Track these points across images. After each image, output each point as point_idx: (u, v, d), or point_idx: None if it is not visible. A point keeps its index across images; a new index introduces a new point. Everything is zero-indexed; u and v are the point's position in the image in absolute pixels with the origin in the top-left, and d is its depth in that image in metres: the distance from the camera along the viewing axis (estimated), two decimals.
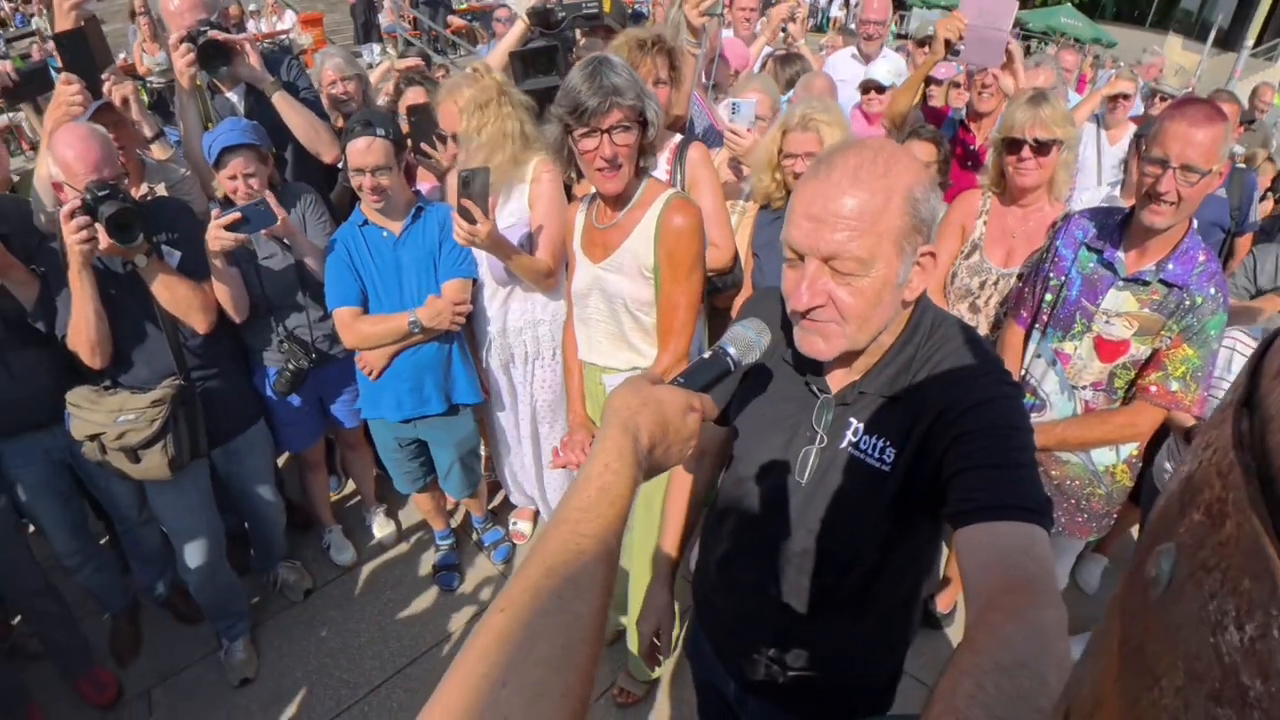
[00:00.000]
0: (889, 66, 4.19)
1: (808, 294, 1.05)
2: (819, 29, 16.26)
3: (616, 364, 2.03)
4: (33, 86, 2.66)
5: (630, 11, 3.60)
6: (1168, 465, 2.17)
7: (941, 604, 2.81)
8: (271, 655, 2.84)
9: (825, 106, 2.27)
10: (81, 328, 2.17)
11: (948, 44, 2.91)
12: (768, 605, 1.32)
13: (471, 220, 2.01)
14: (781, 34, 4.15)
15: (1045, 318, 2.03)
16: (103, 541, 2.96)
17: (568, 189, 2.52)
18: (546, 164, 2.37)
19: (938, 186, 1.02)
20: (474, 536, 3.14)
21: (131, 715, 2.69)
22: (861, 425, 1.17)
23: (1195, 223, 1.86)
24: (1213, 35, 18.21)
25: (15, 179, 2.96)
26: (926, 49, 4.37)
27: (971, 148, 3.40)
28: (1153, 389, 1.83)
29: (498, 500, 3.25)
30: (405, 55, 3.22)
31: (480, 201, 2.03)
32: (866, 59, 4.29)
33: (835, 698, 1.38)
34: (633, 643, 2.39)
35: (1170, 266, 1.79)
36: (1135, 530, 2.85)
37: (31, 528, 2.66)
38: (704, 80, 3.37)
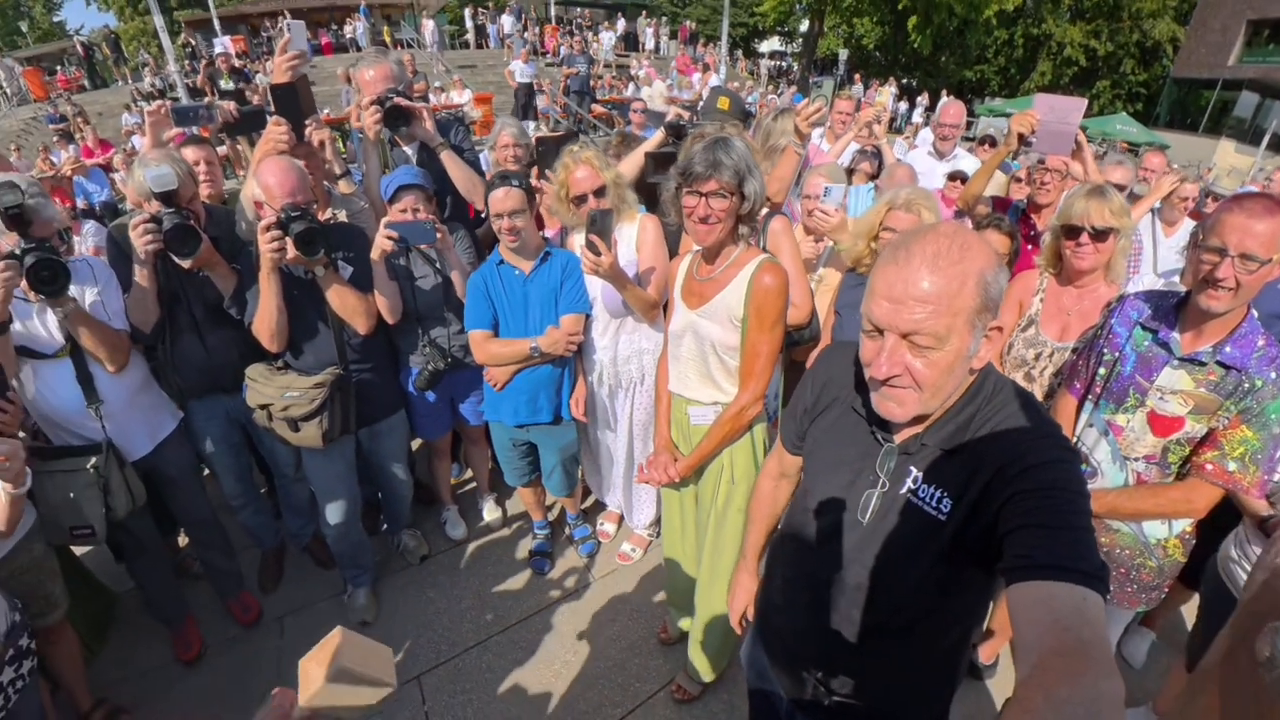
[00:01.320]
0: (970, 163, 4.16)
1: (886, 365, 1.01)
2: (897, 130, 16.48)
3: (701, 397, 2.00)
4: (249, 124, 2.83)
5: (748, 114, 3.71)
6: (1234, 553, 1.88)
7: (984, 654, 2.58)
8: (387, 606, 2.86)
9: (927, 195, 2.28)
10: (265, 318, 2.27)
11: (1021, 137, 2.83)
12: (820, 629, 1.25)
13: (596, 252, 2.08)
14: (866, 133, 4.22)
15: (1098, 390, 1.83)
16: (262, 491, 3.07)
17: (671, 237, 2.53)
18: (650, 217, 2.49)
19: (1005, 267, 1.00)
20: (566, 531, 3.09)
21: (266, 635, 2.77)
22: (921, 474, 1.10)
23: (1254, 311, 1.66)
24: (1266, 139, 16.80)
25: (226, 196, 3.14)
26: (987, 147, 4.41)
27: (1031, 233, 3.25)
28: (1209, 467, 1.62)
29: (588, 503, 3.19)
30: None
31: (604, 237, 2.08)
32: (940, 156, 4.38)
33: None
34: (694, 646, 2.29)
35: (1228, 349, 1.59)
36: (1186, 609, 2.50)
37: (207, 472, 2.76)
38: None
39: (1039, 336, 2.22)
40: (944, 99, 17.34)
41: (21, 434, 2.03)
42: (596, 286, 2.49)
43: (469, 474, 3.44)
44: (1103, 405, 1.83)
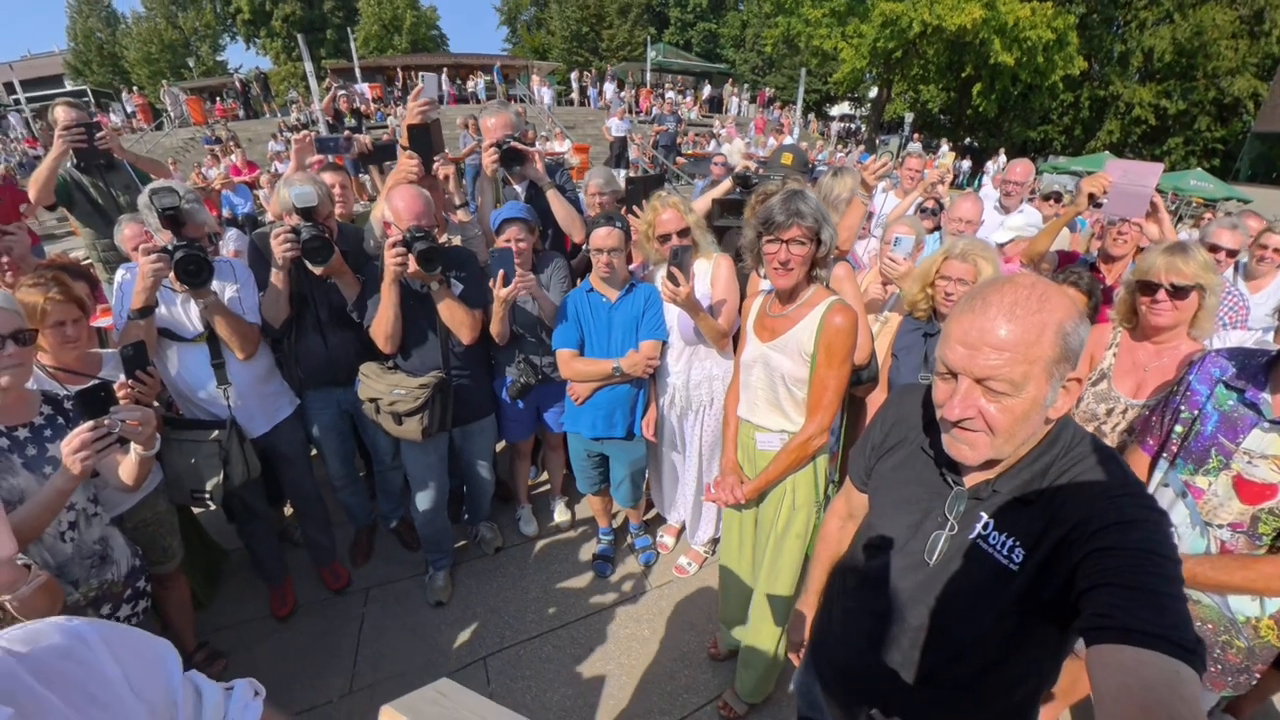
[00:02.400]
0: (1032, 218, 3.86)
1: (960, 407, 0.93)
2: (959, 187, 15.86)
3: (769, 424, 1.92)
4: (381, 156, 2.98)
5: (810, 168, 3.68)
6: None
7: (1044, 718, 2.15)
8: (461, 590, 2.80)
9: (985, 246, 2.12)
10: (383, 324, 2.28)
11: (1091, 197, 2.63)
12: (877, 666, 1.13)
13: (676, 283, 2.08)
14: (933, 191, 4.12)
15: (1174, 449, 1.60)
16: (361, 475, 3.05)
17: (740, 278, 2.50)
18: (725, 257, 2.47)
19: (1086, 320, 0.89)
20: (628, 539, 2.98)
21: (351, 604, 2.75)
22: (992, 521, 0.99)
23: None
24: None
25: (355, 216, 3.21)
26: (1052, 203, 4.12)
27: (1103, 286, 2.95)
28: None
29: (650, 515, 3.07)
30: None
31: (684, 271, 2.08)
32: (1006, 211, 4.06)
33: None
34: (743, 665, 2.15)
35: None
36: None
37: (314, 453, 2.78)
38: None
39: (1111, 391, 2.02)
40: (1000, 158, 16.74)
41: (155, 404, 2.08)
42: (673, 316, 2.43)
43: (544, 477, 3.36)
44: (1180, 465, 1.60)
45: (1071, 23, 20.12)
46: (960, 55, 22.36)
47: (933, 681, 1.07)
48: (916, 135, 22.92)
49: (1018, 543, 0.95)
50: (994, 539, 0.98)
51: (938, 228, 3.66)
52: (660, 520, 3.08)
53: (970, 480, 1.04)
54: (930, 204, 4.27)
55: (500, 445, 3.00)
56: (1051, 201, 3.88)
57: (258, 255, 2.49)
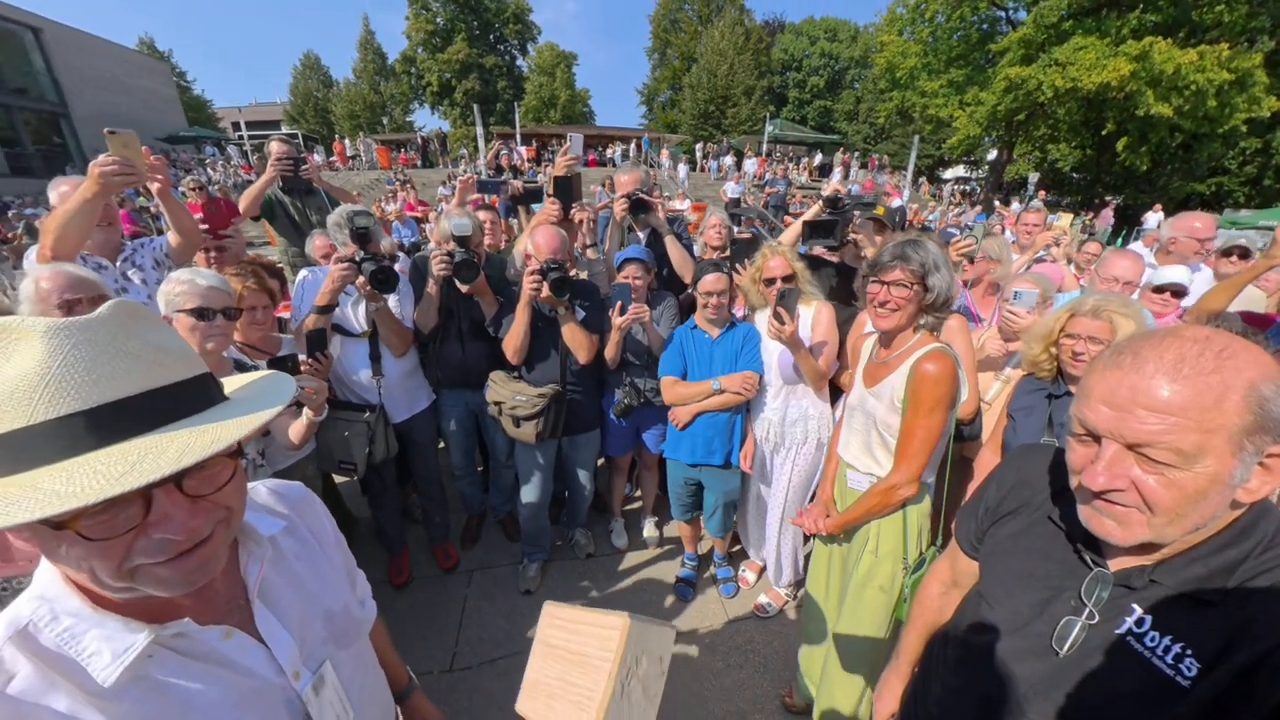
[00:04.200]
0: (1180, 274, 2.99)
1: (1105, 476, 0.66)
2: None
3: (860, 465, 1.71)
4: (529, 198, 3.06)
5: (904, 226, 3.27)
6: None
7: None
8: (550, 584, 2.69)
9: (1125, 302, 1.67)
10: (514, 339, 2.29)
11: None
12: None
13: (781, 321, 1.95)
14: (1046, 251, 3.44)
15: None
16: (479, 469, 3.03)
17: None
18: (826, 305, 2.30)
19: None
20: (712, 569, 2.74)
21: (457, 583, 2.71)
22: (1149, 617, 0.71)
23: None
24: None
25: (500, 249, 3.33)
26: (1234, 259, 3.03)
27: None
28: None
29: (735, 549, 2.83)
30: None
31: (790, 310, 1.98)
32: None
33: None
34: (818, 715, 1.82)
35: None
36: None
37: (441, 445, 2.84)
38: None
39: None
40: (1158, 213, 13.21)
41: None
42: (773, 355, 2.26)
43: (638, 494, 3.22)
44: None
45: (1257, 61, 15.04)
46: (1100, 112, 17.55)
47: None
48: (1042, 193, 18.52)
49: (1189, 652, 0.68)
50: (1152, 640, 0.71)
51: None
52: (744, 555, 2.82)
53: (1117, 564, 0.77)
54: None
55: (600, 461, 2.88)
56: (1234, 258, 2.94)
57: (417, 274, 2.60)
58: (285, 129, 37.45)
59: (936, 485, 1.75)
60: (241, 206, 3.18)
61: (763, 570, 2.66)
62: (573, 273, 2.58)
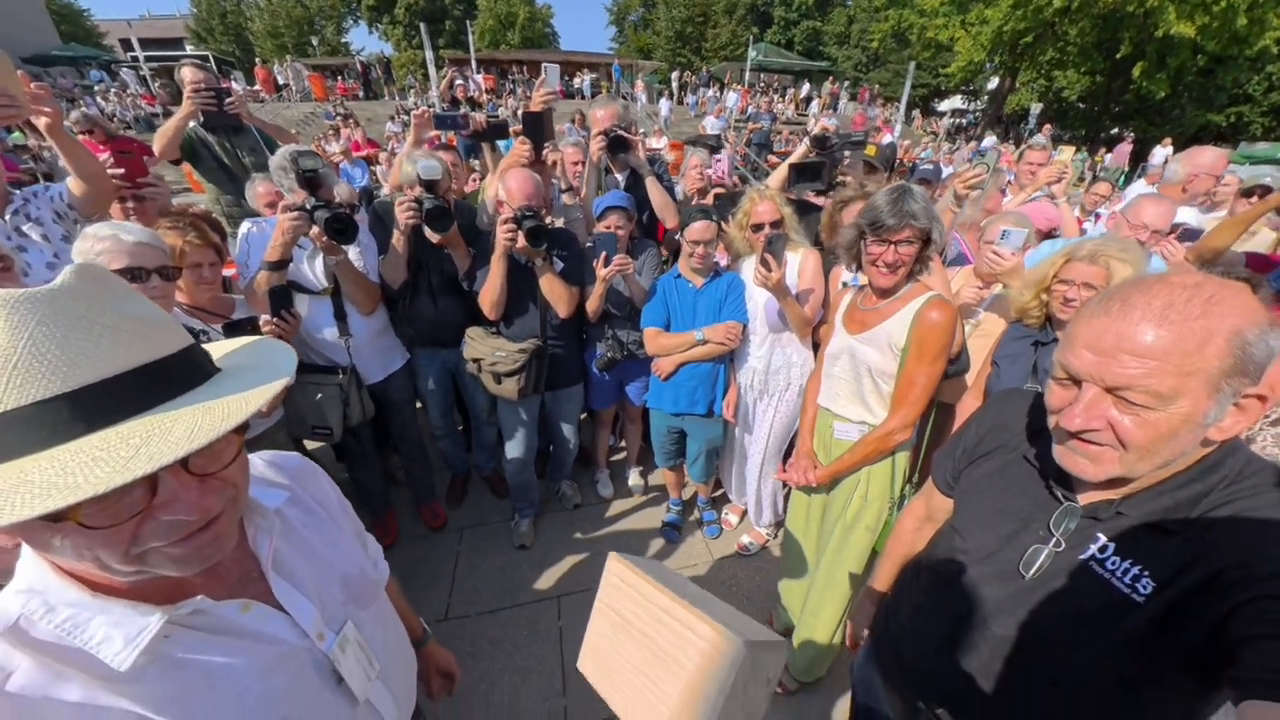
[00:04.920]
0: (1207, 217, 2.75)
1: (1082, 417, 0.68)
2: (1080, 181, 11.18)
3: (849, 415, 1.70)
4: (494, 134, 2.74)
5: (895, 165, 3.07)
6: None
7: None
8: (543, 537, 2.69)
9: (1124, 246, 1.57)
10: (490, 292, 2.13)
11: None
12: (949, 668, 0.91)
13: (769, 268, 1.87)
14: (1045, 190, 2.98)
15: None
16: (459, 428, 2.96)
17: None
18: (813, 251, 2.21)
19: (1278, 324, 0.64)
20: (696, 512, 2.79)
21: (447, 540, 2.68)
22: (1112, 544, 0.75)
23: None
24: None
25: (466, 195, 3.07)
26: (1256, 199, 2.86)
27: None
28: None
29: (718, 493, 2.87)
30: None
31: (777, 257, 1.88)
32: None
33: None
34: (797, 645, 1.94)
35: None
36: None
37: (420, 405, 2.68)
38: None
39: None
40: (1167, 147, 11.79)
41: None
42: (759, 303, 2.19)
43: (622, 445, 3.20)
44: None
45: None
46: (1115, 32, 15.56)
47: (1013, 692, 0.85)
48: (1045, 127, 16.11)
49: (1147, 573, 0.71)
50: (1113, 563, 0.75)
51: (1050, 235, 2.95)
52: (726, 500, 2.87)
53: (1086, 498, 0.80)
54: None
55: (583, 416, 2.84)
56: (1256, 198, 2.64)
57: (378, 223, 2.37)
58: (190, 49, 30.75)
59: (919, 427, 1.79)
60: (156, 148, 2.72)
61: (745, 513, 2.73)
62: (549, 220, 2.42)
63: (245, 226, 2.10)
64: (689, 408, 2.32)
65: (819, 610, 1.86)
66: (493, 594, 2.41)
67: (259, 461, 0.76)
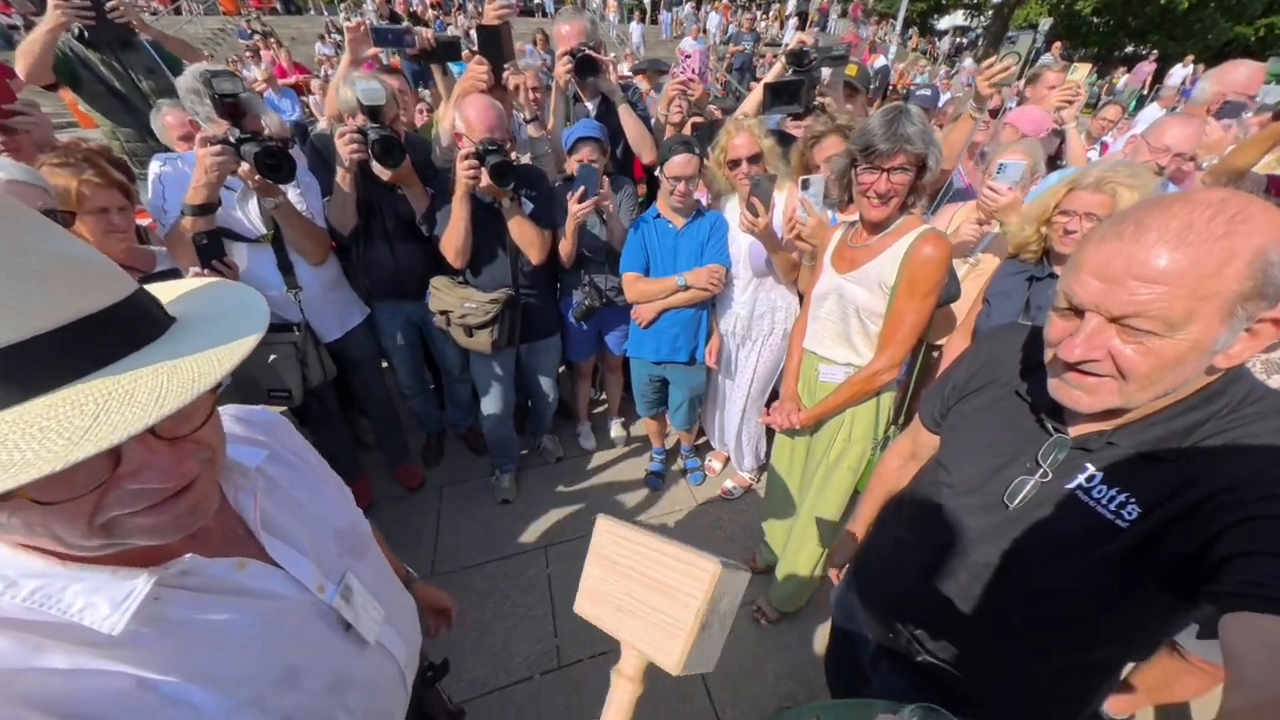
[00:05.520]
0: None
1: (1082, 347, 0.64)
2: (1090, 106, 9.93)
3: (834, 357, 1.64)
4: (445, 53, 2.36)
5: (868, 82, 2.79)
6: None
7: (1113, 707, 1.70)
8: (525, 492, 2.63)
9: (1133, 171, 1.44)
10: (453, 237, 1.91)
11: None
12: (928, 594, 0.92)
13: (755, 213, 1.73)
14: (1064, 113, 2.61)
15: None
16: (431, 386, 2.77)
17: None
18: (797, 186, 1.97)
19: None
20: (679, 460, 2.77)
21: (427, 499, 2.58)
22: (1100, 474, 0.72)
23: None
24: None
25: (417, 128, 2.75)
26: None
27: None
28: None
29: (701, 440, 2.84)
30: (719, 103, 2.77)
31: (764, 201, 1.74)
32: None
33: (961, 707, 0.82)
34: (779, 578, 1.99)
35: None
36: None
37: (385, 364, 2.50)
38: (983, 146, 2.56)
39: None
40: (1183, 69, 10.70)
41: None
42: (742, 247, 2.06)
43: (603, 397, 3.10)
44: None
45: None
46: None
47: (989, 614, 0.86)
48: (1055, 46, 14.48)
49: (1132, 500, 0.69)
50: (1099, 492, 0.72)
51: (1059, 162, 2.61)
52: (709, 447, 2.85)
53: (1077, 429, 0.77)
54: (1053, 126, 2.79)
55: (561, 369, 2.73)
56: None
57: (318, 159, 2.07)
58: None
59: (906, 366, 1.76)
60: (20, 68, 2.19)
61: (728, 459, 2.72)
62: (514, 156, 2.18)
63: (156, 165, 1.79)
64: (671, 356, 2.22)
65: (801, 547, 1.88)
66: (477, 549, 2.36)
67: (227, 418, 0.70)
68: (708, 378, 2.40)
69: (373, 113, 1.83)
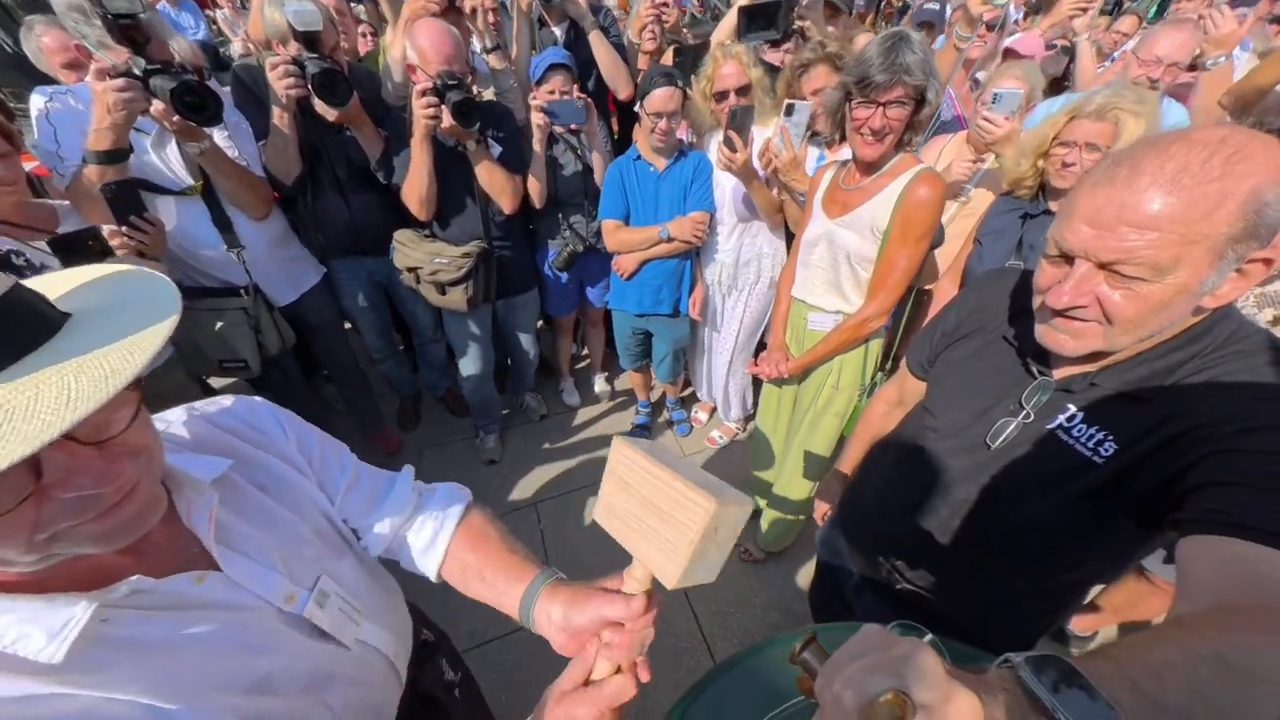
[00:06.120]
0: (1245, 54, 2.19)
1: (1070, 294, 0.63)
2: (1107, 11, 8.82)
3: (824, 305, 1.59)
4: None
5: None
6: None
7: (1078, 625, 1.74)
8: (510, 451, 2.55)
9: (1139, 97, 1.32)
10: (416, 186, 1.70)
11: None
12: (910, 529, 0.94)
13: (733, 148, 1.60)
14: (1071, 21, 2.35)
15: None
16: (401, 348, 2.61)
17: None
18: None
19: None
20: (665, 413, 2.72)
21: (407, 461, 2.67)
22: (1081, 413, 0.73)
23: None
24: None
25: (361, 57, 2.42)
26: None
27: None
28: None
29: (687, 392, 2.79)
30: (693, 27, 2.43)
31: (742, 134, 1.60)
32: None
33: (938, 628, 0.84)
34: (766, 521, 2.03)
35: None
36: None
37: (349, 327, 2.34)
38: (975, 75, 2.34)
39: None
40: None
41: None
42: (726, 191, 1.93)
43: (585, 353, 2.98)
44: None
45: None
46: None
47: (968, 545, 0.89)
48: None
49: (1110, 437, 0.71)
50: (1079, 431, 0.74)
51: (1065, 83, 2.32)
52: (695, 398, 2.81)
53: (1061, 372, 0.78)
54: (1061, 43, 2.51)
55: (540, 324, 2.60)
56: None
57: (246, 95, 1.79)
58: None
59: (895, 312, 1.72)
60: None
61: (714, 409, 2.69)
62: (476, 91, 1.94)
63: (40, 100, 1.48)
64: (654, 308, 2.12)
65: (788, 491, 1.90)
66: None
67: (194, 420, 0.64)
68: (692, 329, 2.32)
69: (309, 40, 1.56)
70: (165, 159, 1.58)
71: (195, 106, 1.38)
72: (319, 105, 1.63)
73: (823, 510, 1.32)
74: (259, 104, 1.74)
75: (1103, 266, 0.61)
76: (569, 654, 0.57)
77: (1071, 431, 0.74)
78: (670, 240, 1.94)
